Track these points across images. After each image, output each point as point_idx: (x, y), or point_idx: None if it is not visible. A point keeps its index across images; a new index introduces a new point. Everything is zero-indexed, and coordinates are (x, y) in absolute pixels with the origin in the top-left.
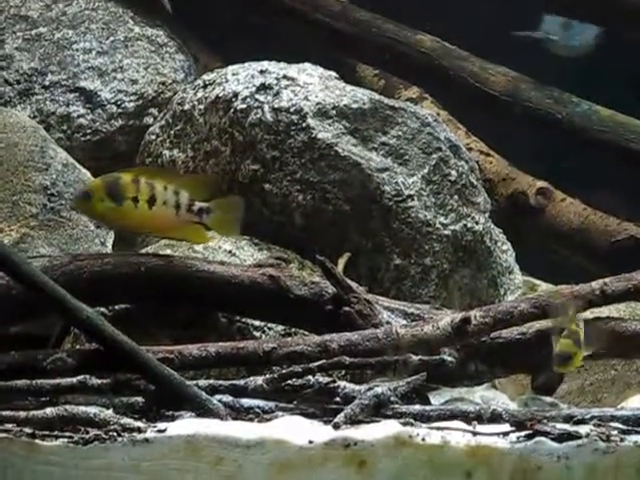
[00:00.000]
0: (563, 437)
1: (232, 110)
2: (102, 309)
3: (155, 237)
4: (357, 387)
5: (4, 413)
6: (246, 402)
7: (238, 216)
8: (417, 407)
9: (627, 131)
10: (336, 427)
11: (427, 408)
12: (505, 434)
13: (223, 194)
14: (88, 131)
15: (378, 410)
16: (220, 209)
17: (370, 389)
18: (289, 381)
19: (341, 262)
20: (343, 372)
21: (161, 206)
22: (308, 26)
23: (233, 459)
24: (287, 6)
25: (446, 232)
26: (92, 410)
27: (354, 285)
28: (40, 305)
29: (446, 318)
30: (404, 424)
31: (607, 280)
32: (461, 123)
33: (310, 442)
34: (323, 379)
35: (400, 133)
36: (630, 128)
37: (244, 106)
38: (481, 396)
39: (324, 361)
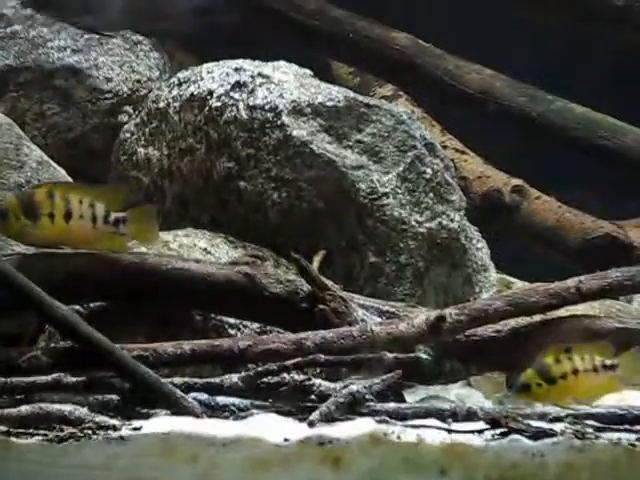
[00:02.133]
0: (538, 435)
1: (207, 108)
2: (77, 307)
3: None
4: (332, 385)
5: None
6: (221, 400)
7: (153, 223)
8: (392, 405)
9: (600, 128)
10: (311, 425)
11: (402, 406)
12: (480, 432)
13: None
14: (63, 129)
15: (353, 408)
16: (135, 218)
17: (345, 387)
18: (264, 379)
19: (316, 260)
20: (318, 370)
21: (78, 220)
22: (283, 24)
23: (208, 457)
24: (263, 4)
25: (421, 230)
26: (67, 408)
27: (329, 283)
28: (15, 303)
29: (421, 316)
30: (379, 422)
31: (582, 278)
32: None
33: (285, 440)
34: (298, 377)
35: (375, 131)
36: (603, 125)
37: (219, 104)
38: (456, 394)
39: (299, 359)
